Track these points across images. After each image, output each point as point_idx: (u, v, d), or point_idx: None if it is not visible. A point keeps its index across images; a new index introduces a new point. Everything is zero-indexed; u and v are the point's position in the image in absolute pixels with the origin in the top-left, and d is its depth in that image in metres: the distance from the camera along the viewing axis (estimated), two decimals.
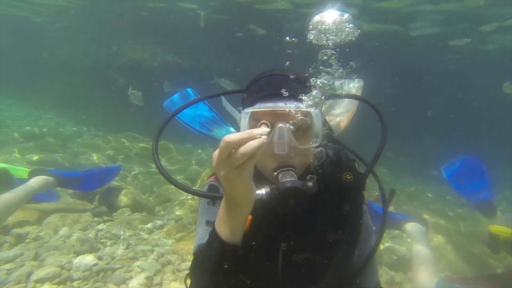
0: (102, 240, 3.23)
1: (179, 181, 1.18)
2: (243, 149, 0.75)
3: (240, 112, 1.08)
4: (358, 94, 2.66)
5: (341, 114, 2.40)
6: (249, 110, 1.01)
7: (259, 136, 0.77)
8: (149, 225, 3.96)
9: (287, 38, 1.18)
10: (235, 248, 0.93)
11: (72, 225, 3.36)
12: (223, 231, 0.93)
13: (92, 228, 3.46)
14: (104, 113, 12.65)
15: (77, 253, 2.82)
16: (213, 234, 0.95)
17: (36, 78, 15.39)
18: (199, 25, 10.07)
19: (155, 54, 13.32)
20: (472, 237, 5.33)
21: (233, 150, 0.76)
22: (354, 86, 2.64)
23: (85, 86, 13.72)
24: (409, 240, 3.76)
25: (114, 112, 12.28)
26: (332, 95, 1.13)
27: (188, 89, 2.53)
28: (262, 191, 0.95)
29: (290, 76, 1.06)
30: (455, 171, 4.18)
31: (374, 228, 1.31)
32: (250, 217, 1.03)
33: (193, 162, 8.05)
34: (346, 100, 2.55)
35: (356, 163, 1.21)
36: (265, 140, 0.78)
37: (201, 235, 1.16)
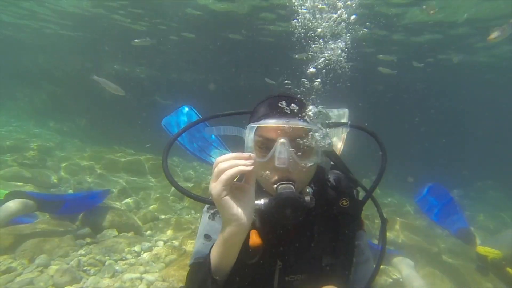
0: (85, 268, 2.94)
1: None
2: (222, 164, 0.86)
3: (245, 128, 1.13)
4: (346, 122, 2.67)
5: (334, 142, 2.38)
6: (254, 125, 1.08)
7: (248, 157, 0.87)
8: (136, 248, 3.68)
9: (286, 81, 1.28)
10: (222, 281, 0.97)
11: (51, 251, 3.04)
12: (216, 256, 0.97)
13: (74, 253, 3.16)
14: (89, 125, 12.21)
15: (56, 286, 2.53)
16: (207, 262, 0.99)
17: (14, 86, 14.77)
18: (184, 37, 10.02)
19: (141, 66, 13.11)
20: (460, 256, 5.30)
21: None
22: (340, 116, 2.61)
23: (68, 96, 13.26)
24: (398, 274, 3.75)
25: (99, 124, 11.88)
26: (334, 123, 1.22)
27: (186, 106, 2.37)
28: (260, 202, 1.01)
29: (295, 98, 1.15)
30: (431, 204, 4.36)
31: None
32: (255, 231, 1.07)
33: (181, 178, 7.78)
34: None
35: (355, 190, 1.24)
36: (249, 168, 0.87)
37: (197, 248, 1.22)
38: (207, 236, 1.21)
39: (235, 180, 0.95)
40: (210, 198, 1.23)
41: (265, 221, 1.09)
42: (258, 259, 1.09)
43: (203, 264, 1.01)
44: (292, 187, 1.01)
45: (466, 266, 4.79)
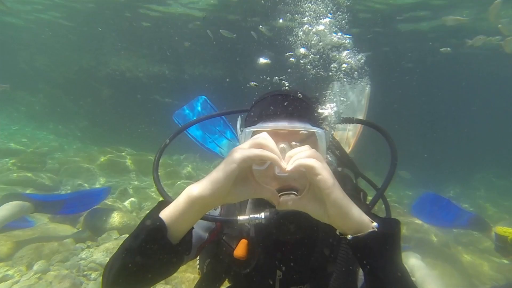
0: (85, 273, 2.84)
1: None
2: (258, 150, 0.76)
3: (242, 131, 1.03)
4: (366, 101, 2.50)
5: (349, 130, 2.21)
6: (250, 129, 0.98)
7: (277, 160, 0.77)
8: None
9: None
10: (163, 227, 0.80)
11: (50, 256, 2.94)
12: (170, 210, 0.82)
13: (74, 257, 3.06)
14: (88, 126, 12.12)
15: None
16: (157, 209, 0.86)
17: (11, 89, 14.67)
18: (183, 34, 9.89)
19: (139, 64, 12.96)
20: (468, 247, 5.21)
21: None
22: (360, 93, 2.43)
23: (67, 98, 13.15)
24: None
25: (99, 124, 11.79)
26: (340, 119, 1.12)
27: (201, 98, 2.24)
28: (261, 215, 0.93)
29: (296, 96, 1.04)
30: (433, 215, 4.33)
31: None
32: (245, 241, 1.02)
33: (182, 176, 7.68)
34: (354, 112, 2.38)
35: (362, 192, 1.17)
36: (279, 164, 0.77)
37: None
38: None
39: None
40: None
41: (266, 235, 1.03)
42: (253, 269, 1.05)
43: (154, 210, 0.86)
44: (295, 197, 0.92)
45: (473, 257, 4.70)
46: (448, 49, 7.51)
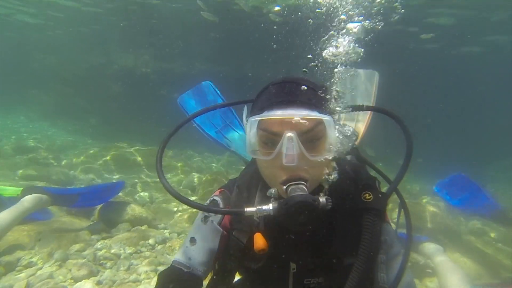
0: (101, 261, 3.01)
1: (181, 192, 1.10)
2: None
3: (247, 121, 1.00)
4: (374, 87, 2.47)
5: (356, 121, 2.20)
6: (256, 118, 0.94)
7: None
8: (150, 241, 3.74)
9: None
10: None
11: (69, 246, 3.12)
12: None
13: (91, 247, 3.23)
14: (99, 122, 12.41)
15: (75, 279, 2.60)
16: None
17: (25, 88, 15.09)
18: (190, 28, 9.91)
19: (147, 60, 13.13)
20: (482, 237, 5.20)
21: None
22: (368, 79, 2.41)
23: (78, 96, 13.46)
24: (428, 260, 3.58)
25: (110, 121, 12.06)
26: (350, 107, 1.07)
27: (205, 83, 2.23)
28: (269, 207, 0.90)
29: (302, 83, 0.98)
30: (459, 197, 4.23)
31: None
32: (259, 234, 0.99)
33: (192, 169, 7.84)
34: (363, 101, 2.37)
35: (377, 181, 1.12)
36: None
37: (182, 250, 1.14)
38: (192, 240, 1.12)
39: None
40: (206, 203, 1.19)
41: (275, 227, 1.00)
42: (266, 263, 1.03)
43: None
44: (304, 187, 0.89)
45: (486, 246, 4.69)
46: (430, 35, 7.24)
